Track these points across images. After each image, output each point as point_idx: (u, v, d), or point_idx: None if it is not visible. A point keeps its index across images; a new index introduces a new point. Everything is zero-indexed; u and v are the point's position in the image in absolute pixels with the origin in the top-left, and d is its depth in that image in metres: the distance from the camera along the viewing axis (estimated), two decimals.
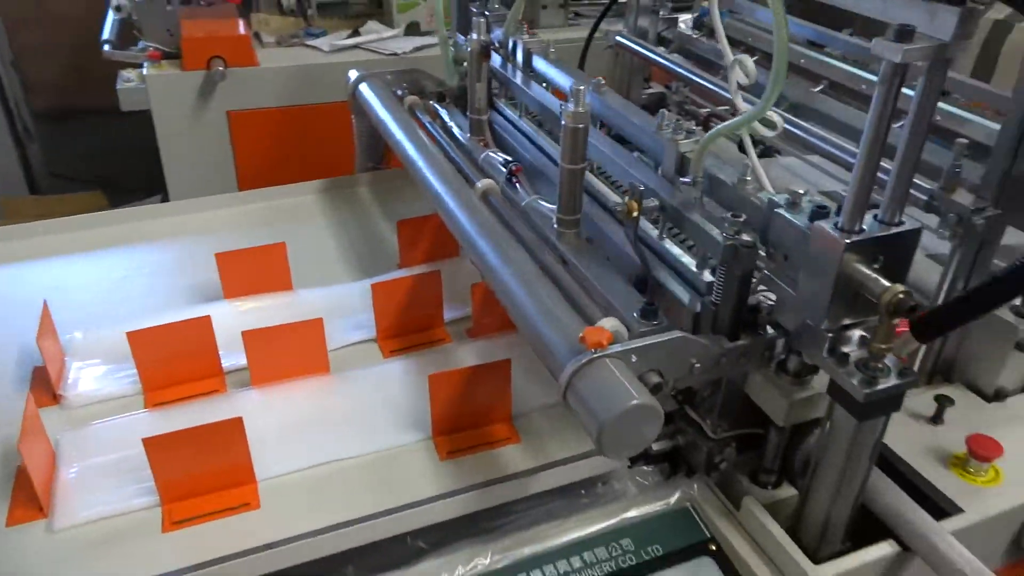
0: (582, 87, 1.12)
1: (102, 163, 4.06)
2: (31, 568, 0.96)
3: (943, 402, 1.19)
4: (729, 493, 1.10)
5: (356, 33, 2.86)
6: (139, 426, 1.15)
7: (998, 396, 1.25)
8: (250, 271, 1.42)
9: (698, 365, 0.98)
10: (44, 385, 1.24)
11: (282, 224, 1.74)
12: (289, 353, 1.23)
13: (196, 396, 1.23)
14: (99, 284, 1.51)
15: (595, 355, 0.90)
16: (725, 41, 1.12)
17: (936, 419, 1.19)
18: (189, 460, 1.02)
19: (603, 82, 1.37)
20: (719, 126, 1.06)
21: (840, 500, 0.99)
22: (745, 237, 0.95)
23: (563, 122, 1.14)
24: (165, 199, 2.57)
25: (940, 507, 1.05)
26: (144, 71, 2.51)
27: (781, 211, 0.96)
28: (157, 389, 1.23)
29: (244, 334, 1.19)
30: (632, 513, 1.07)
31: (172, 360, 1.22)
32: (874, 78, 0.98)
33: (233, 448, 1.04)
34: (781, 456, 1.10)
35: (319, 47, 2.74)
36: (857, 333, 0.93)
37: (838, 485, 0.98)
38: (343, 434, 1.15)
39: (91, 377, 1.24)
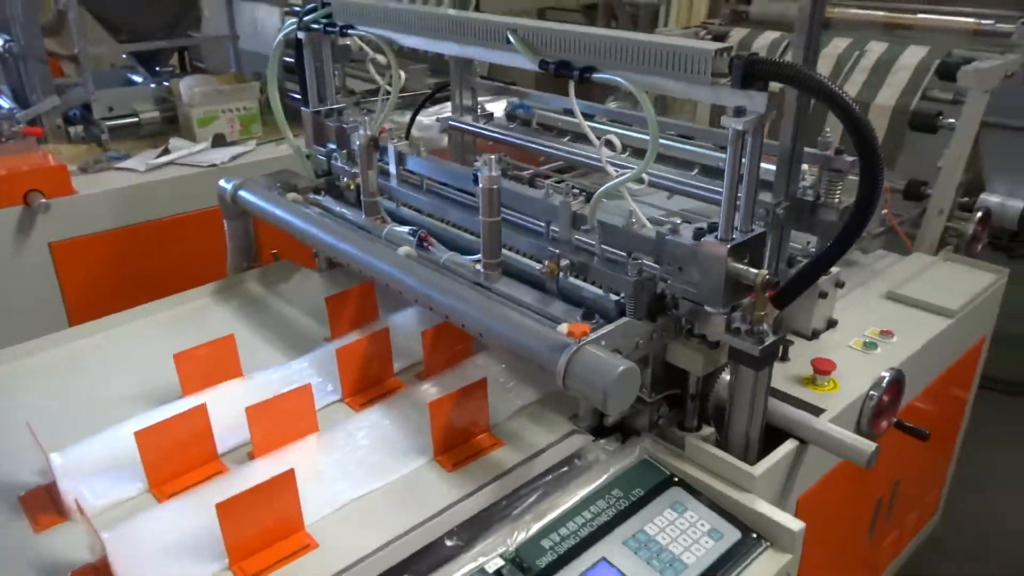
0: (492, 156, 1.44)
1: None
2: None
3: (785, 344, 1.62)
4: (670, 441, 1.43)
5: (166, 151, 2.93)
6: (168, 514, 1.24)
7: (815, 335, 1.72)
8: (205, 365, 1.53)
9: (640, 342, 1.32)
10: (44, 507, 1.27)
11: (192, 326, 1.83)
12: (284, 421, 1.38)
13: (202, 481, 1.33)
14: (43, 410, 1.52)
15: (582, 342, 1.20)
16: (587, 126, 1.47)
17: (784, 358, 1.63)
18: (253, 516, 1.15)
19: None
20: (605, 185, 1.40)
21: (753, 423, 1.36)
22: (645, 273, 1.32)
23: (480, 185, 1.44)
24: None
25: (810, 412, 1.46)
26: None
27: (671, 237, 1.33)
28: (164, 483, 1.31)
29: (248, 409, 1.33)
30: (611, 470, 1.36)
31: (175, 452, 1.32)
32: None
33: (287, 498, 1.18)
34: (699, 406, 1.46)
35: (133, 168, 2.78)
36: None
37: (750, 415, 1.35)
38: (360, 473, 1.33)
39: (92, 488, 1.29)
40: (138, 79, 3.43)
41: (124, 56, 3.58)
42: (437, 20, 1.63)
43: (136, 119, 3.14)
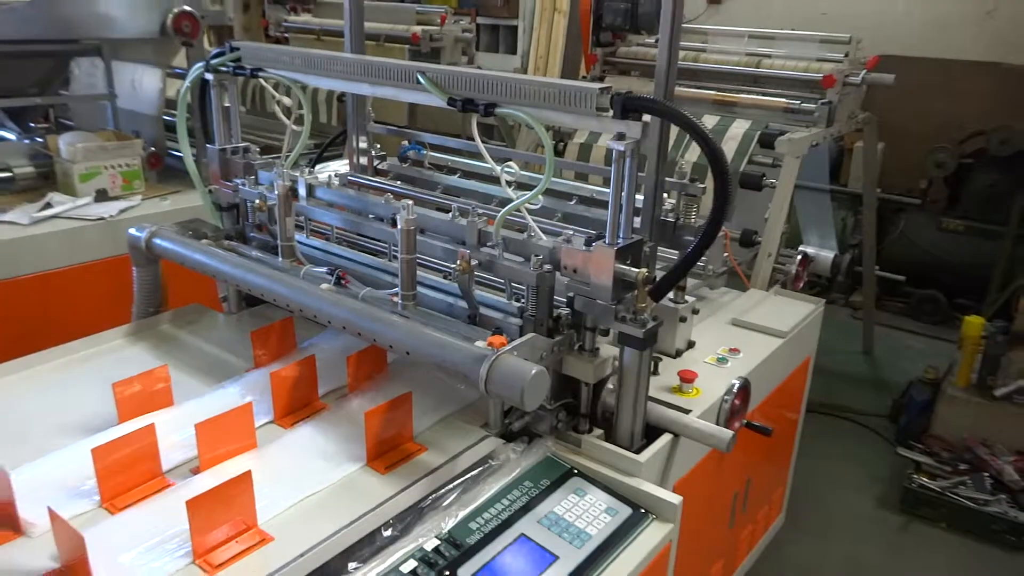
0: (409, 202, 1.67)
1: None
2: None
3: (656, 361, 1.93)
4: (568, 442, 1.68)
5: (48, 205, 2.93)
6: (125, 522, 1.35)
7: (678, 354, 2.04)
8: (140, 394, 1.64)
9: (544, 355, 1.57)
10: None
11: (112, 364, 1.90)
12: (228, 436, 1.52)
13: (151, 495, 1.44)
14: None
15: (500, 352, 1.44)
16: (489, 157, 1.74)
17: (655, 372, 1.93)
18: (216, 513, 1.29)
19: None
20: (508, 206, 1.67)
21: (636, 415, 1.64)
22: (546, 267, 1.59)
23: (399, 227, 1.67)
24: None
25: (680, 412, 1.76)
26: None
27: (567, 245, 1.61)
28: (116, 496, 1.41)
29: (197, 425, 1.46)
30: (521, 466, 1.58)
31: (126, 466, 1.42)
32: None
33: (244, 496, 1.33)
34: (590, 411, 1.72)
35: (16, 221, 2.77)
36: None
37: (634, 401, 1.63)
38: (302, 478, 1.48)
39: (52, 503, 1.37)
40: (9, 135, 3.40)
41: None
42: (352, 64, 1.86)
43: (10, 174, 3.12)
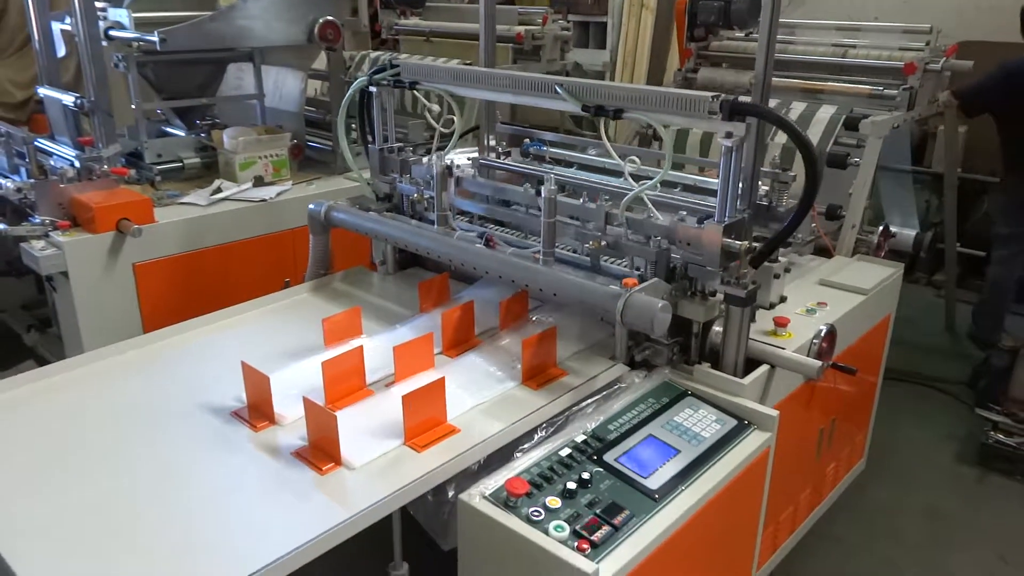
0: (551, 175, 2.07)
1: None
2: (351, 490, 1.57)
3: (754, 310, 2.27)
4: (682, 371, 2.05)
5: (219, 189, 3.45)
6: (345, 417, 1.78)
7: (772, 306, 2.37)
8: (339, 327, 2.08)
9: (665, 295, 1.94)
10: (258, 416, 1.79)
11: (308, 313, 2.35)
12: (415, 358, 1.94)
13: (361, 399, 1.87)
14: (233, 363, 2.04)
15: (633, 290, 1.82)
16: (614, 153, 2.12)
17: (753, 320, 2.27)
18: (420, 407, 1.71)
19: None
20: (633, 192, 2.04)
21: (739, 351, 1.99)
22: (663, 244, 1.96)
23: (543, 195, 2.06)
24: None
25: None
26: (59, 238, 2.86)
27: (682, 224, 1.97)
28: (337, 399, 1.85)
29: (395, 348, 1.89)
30: (645, 388, 1.96)
31: (343, 377, 1.86)
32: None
33: (439, 396, 1.74)
34: (700, 347, 2.08)
35: (195, 203, 3.29)
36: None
37: (737, 344, 1.99)
38: (474, 390, 1.89)
39: (291, 404, 1.81)
40: (178, 132, 3.95)
41: (159, 111, 4.09)
42: (498, 78, 2.26)
43: (181, 164, 3.66)
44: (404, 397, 1.68)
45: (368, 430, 1.74)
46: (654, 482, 1.68)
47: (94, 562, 1.40)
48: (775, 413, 1.88)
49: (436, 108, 2.54)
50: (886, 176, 3.78)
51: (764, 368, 2.03)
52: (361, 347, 1.91)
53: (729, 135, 1.83)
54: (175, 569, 1.39)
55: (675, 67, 4.20)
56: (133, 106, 3.53)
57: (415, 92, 2.52)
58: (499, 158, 2.95)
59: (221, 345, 2.19)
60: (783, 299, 2.43)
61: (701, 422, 1.88)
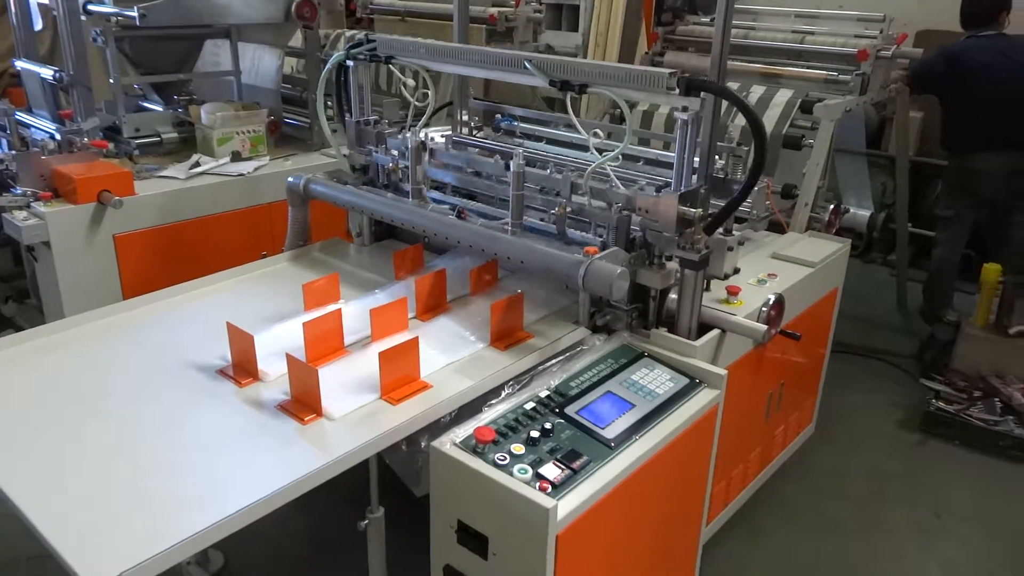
0: (519, 150, 2.20)
1: None
2: (331, 437, 1.70)
3: (708, 279, 2.43)
4: (639, 335, 2.20)
5: (197, 164, 3.53)
6: (326, 373, 1.90)
7: (726, 276, 2.53)
8: (319, 292, 2.20)
9: (624, 263, 2.09)
10: (242, 373, 1.91)
11: (287, 281, 2.47)
12: (390, 320, 2.07)
13: (340, 357, 2.00)
14: (217, 324, 2.15)
15: (594, 258, 1.97)
16: (580, 127, 2.26)
17: (707, 289, 2.42)
18: (395, 364, 1.84)
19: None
20: (596, 162, 2.18)
21: (693, 315, 2.15)
22: (624, 211, 2.10)
23: (512, 169, 2.20)
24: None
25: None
26: (41, 209, 2.94)
27: (641, 193, 2.11)
28: (318, 358, 1.97)
29: (372, 311, 2.02)
30: (605, 349, 2.11)
31: (323, 338, 1.98)
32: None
33: (412, 354, 1.88)
34: (656, 313, 2.23)
35: (175, 176, 3.37)
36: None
37: (691, 308, 2.14)
38: (445, 349, 2.03)
39: (274, 362, 1.93)
40: (155, 107, 4.01)
41: (136, 86, 4.14)
42: (471, 53, 2.38)
43: (159, 138, 3.73)
44: (380, 353, 1.82)
45: (347, 385, 1.87)
46: (610, 432, 1.83)
47: (89, 506, 1.51)
48: (724, 372, 2.04)
49: (411, 82, 2.65)
50: (843, 158, 3.96)
51: (715, 332, 2.19)
52: (340, 310, 2.03)
53: (685, 109, 1.97)
54: (166, 507, 1.51)
55: (644, 51, 4.34)
56: (111, 80, 3.58)
57: (391, 67, 2.62)
58: (472, 134, 3.07)
59: (204, 310, 2.30)
60: (736, 270, 2.58)
61: (656, 380, 2.03)
